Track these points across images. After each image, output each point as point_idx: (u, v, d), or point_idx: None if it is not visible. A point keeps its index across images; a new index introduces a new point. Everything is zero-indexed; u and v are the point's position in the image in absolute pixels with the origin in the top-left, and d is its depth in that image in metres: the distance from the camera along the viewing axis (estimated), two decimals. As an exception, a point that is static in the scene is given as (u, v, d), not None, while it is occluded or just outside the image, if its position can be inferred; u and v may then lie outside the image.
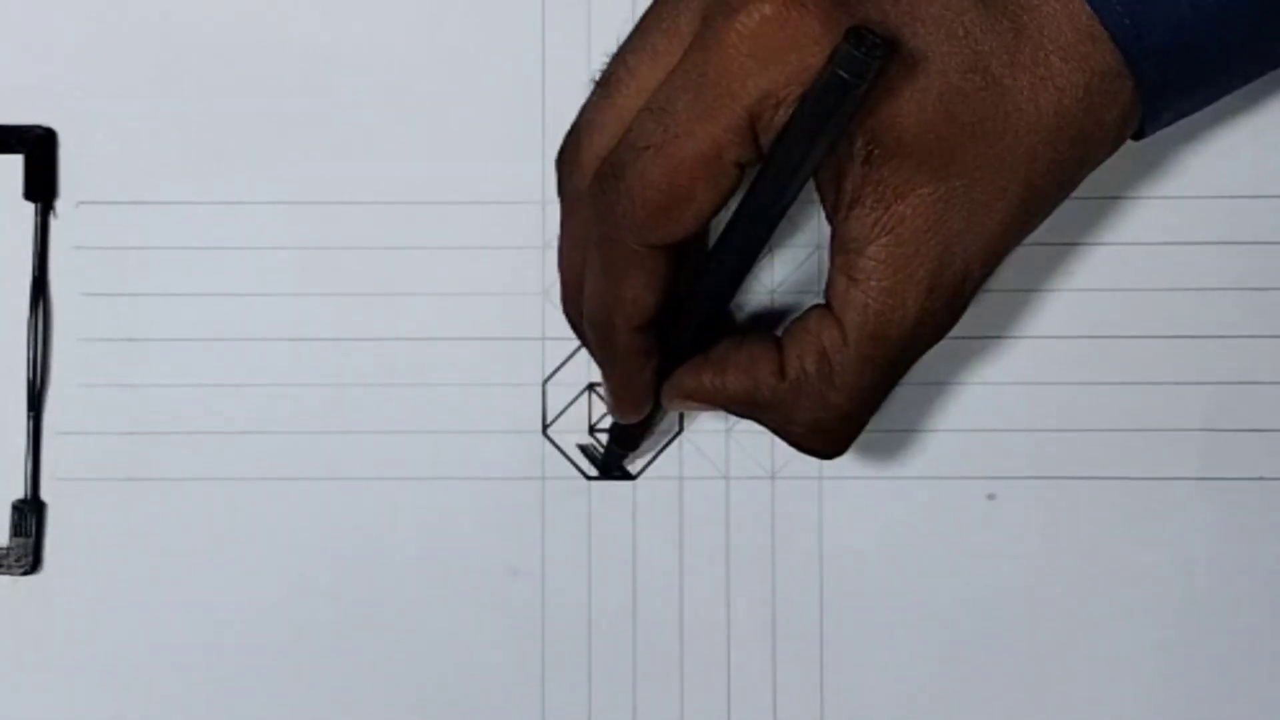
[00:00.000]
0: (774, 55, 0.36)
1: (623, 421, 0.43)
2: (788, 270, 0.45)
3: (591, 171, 0.39)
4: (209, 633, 0.45)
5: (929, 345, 0.40)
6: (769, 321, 0.45)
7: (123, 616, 0.45)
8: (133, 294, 0.46)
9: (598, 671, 0.45)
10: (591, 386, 0.46)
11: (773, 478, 0.45)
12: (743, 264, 0.39)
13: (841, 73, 0.34)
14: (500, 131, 0.46)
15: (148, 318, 0.46)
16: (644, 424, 0.44)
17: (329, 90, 0.46)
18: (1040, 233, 0.45)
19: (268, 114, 0.46)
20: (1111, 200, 0.45)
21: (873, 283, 0.38)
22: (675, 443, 0.46)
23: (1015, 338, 0.45)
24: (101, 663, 0.45)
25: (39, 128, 0.46)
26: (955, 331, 0.45)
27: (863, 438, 0.44)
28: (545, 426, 0.46)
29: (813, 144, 0.36)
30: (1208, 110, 0.45)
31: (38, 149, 0.46)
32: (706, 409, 0.43)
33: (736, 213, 0.38)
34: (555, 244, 0.44)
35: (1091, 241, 0.45)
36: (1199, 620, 0.45)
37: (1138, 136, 0.41)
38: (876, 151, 0.37)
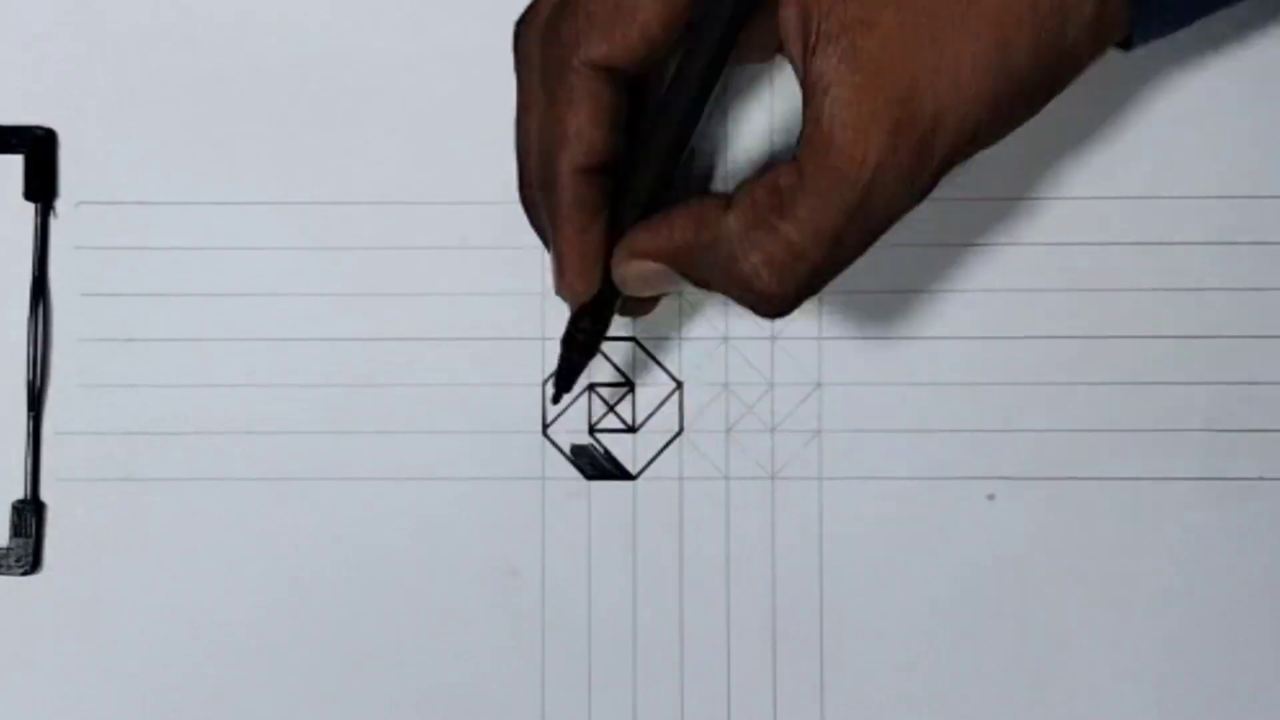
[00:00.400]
0: None
1: (568, 297, 0.41)
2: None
3: (542, 23, 0.39)
4: (209, 633, 0.45)
5: (897, 200, 0.38)
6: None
7: (123, 616, 0.45)
8: (133, 294, 0.46)
9: (598, 671, 0.45)
10: (592, 387, 0.46)
11: (773, 478, 0.45)
12: (691, 109, 0.39)
13: None
14: (500, 131, 0.46)
15: (148, 318, 0.46)
16: (598, 322, 0.42)
17: (329, 90, 0.46)
18: (1041, 233, 0.45)
19: (268, 114, 0.46)
20: (1112, 200, 0.45)
21: (836, 119, 0.36)
22: (675, 443, 0.46)
23: (1015, 338, 0.45)
24: (101, 663, 0.45)
25: (39, 128, 0.46)
26: (955, 332, 0.45)
27: (863, 438, 0.44)
28: (545, 426, 0.46)
29: None
30: (1208, 110, 0.45)
31: (38, 149, 0.46)
32: (657, 272, 0.40)
33: (684, 54, 0.39)
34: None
35: (1092, 241, 0.45)
36: (1199, 620, 0.45)
37: (1126, 46, 0.40)
38: None
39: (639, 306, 0.44)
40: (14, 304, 0.46)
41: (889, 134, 0.37)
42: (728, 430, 0.45)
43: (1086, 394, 0.45)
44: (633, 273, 0.40)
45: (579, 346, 0.42)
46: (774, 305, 0.39)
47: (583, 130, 0.39)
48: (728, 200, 0.38)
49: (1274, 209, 0.45)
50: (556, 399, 0.43)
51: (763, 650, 0.45)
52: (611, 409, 0.46)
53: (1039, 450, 0.45)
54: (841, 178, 0.37)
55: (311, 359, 0.46)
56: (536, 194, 0.41)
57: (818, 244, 0.37)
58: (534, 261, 0.46)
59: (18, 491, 0.45)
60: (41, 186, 0.46)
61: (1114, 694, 0.45)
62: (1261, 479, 0.45)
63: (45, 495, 0.45)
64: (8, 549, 0.45)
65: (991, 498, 0.45)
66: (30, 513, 0.45)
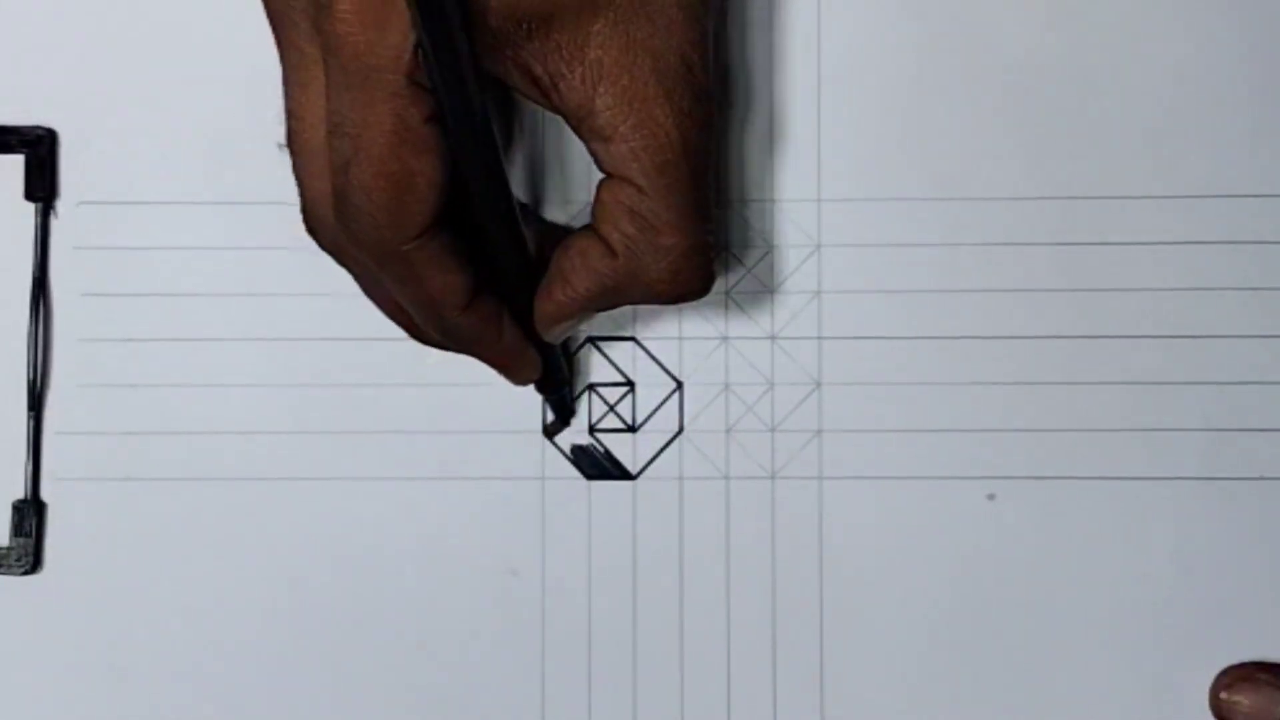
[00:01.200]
0: (381, 14, 0.36)
1: (527, 382, 0.44)
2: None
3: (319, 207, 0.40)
4: (209, 633, 0.45)
5: (708, 141, 0.40)
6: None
7: (123, 616, 0.45)
8: (133, 294, 0.46)
9: (598, 671, 0.45)
10: (592, 386, 0.46)
11: (773, 478, 0.45)
12: (501, 194, 0.39)
13: None
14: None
15: (148, 318, 0.46)
16: (552, 366, 0.44)
17: (329, 90, 0.46)
18: (1041, 233, 0.45)
19: (268, 114, 0.46)
20: (1112, 200, 0.45)
21: (620, 127, 0.38)
22: (675, 443, 0.46)
23: (1015, 338, 0.45)
24: (101, 663, 0.45)
25: (39, 128, 0.46)
26: (955, 332, 0.45)
27: (863, 437, 0.44)
28: (545, 427, 0.46)
29: (456, 56, 0.36)
30: (1207, 110, 0.45)
31: (38, 149, 0.46)
32: (578, 320, 0.42)
33: (458, 159, 0.38)
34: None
35: (1092, 241, 0.45)
36: (1199, 620, 0.45)
37: None
38: (531, 26, 0.37)
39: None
40: (14, 304, 0.46)
41: (666, 104, 0.38)
42: (728, 430, 0.45)
43: (1086, 394, 0.45)
44: (554, 333, 0.42)
45: (556, 390, 0.45)
46: (698, 294, 0.41)
47: (446, 283, 0.39)
48: (603, 241, 0.40)
49: (1274, 209, 0.45)
50: (558, 431, 0.45)
51: (763, 650, 0.45)
52: (612, 409, 0.46)
53: (1039, 450, 0.45)
54: (670, 168, 0.39)
55: (311, 359, 0.46)
56: (440, 338, 0.42)
57: (693, 230, 0.40)
58: (534, 261, 0.46)
59: (18, 491, 0.45)
60: (41, 186, 0.46)
61: (1113, 693, 0.45)
62: (1262, 479, 0.45)
63: (45, 495, 0.45)
64: (8, 549, 0.45)
65: (991, 498, 0.45)
66: (30, 513, 0.45)
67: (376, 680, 0.45)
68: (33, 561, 0.45)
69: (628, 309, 0.45)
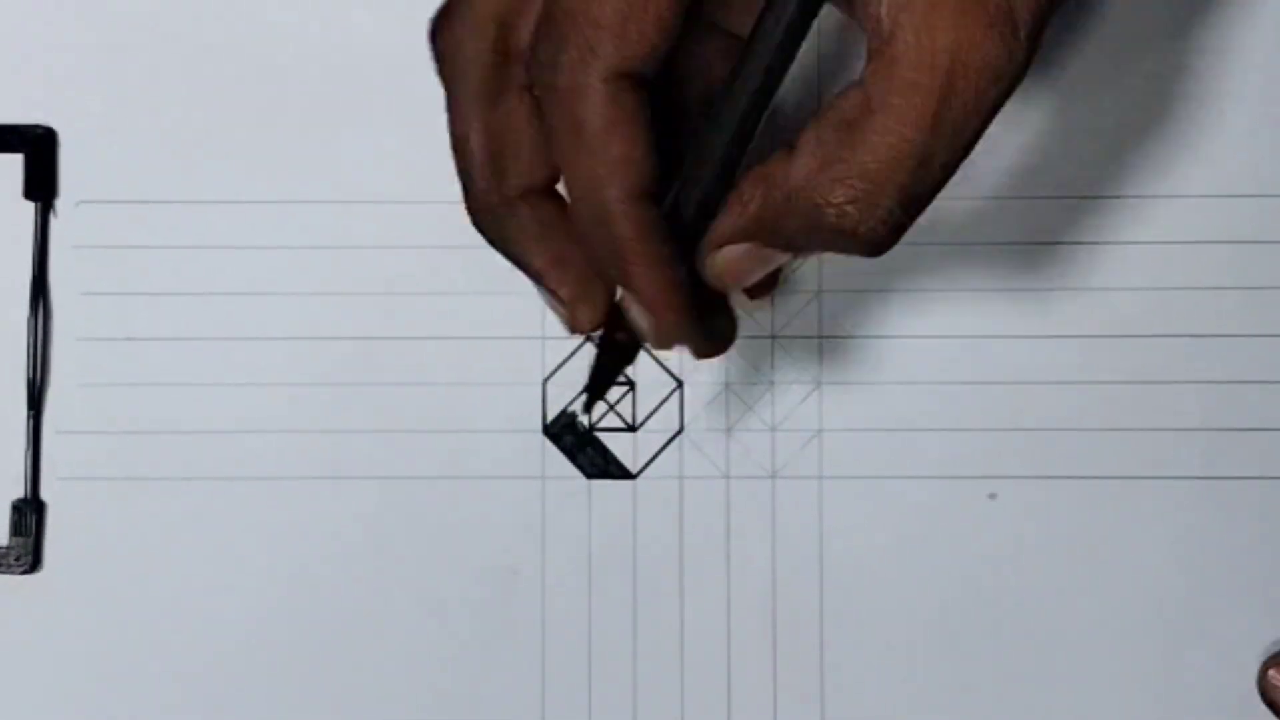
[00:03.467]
0: None
1: (668, 343, 0.37)
2: None
3: (482, 23, 0.35)
4: (209, 632, 0.45)
5: (986, 89, 0.33)
6: None
7: (123, 616, 0.45)
8: (133, 294, 0.46)
9: (598, 671, 0.45)
10: (592, 386, 0.46)
11: (773, 477, 0.45)
12: (757, 102, 0.34)
13: None
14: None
15: (148, 318, 0.46)
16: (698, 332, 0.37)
17: (329, 90, 0.46)
18: (1041, 233, 0.45)
19: (268, 114, 0.46)
20: (1112, 200, 0.45)
21: (893, 16, 0.32)
22: (675, 442, 0.46)
23: (1015, 337, 0.45)
24: (101, 663, 0.45)
25: (39, 128, 0.46)
26: (955, 331, 0.45)
27: (863, 437, 0.44)
28: (545, 426, 0.46)
29: None
30: (1208, 110, 0.45)
31: (38, 149, 0.46)
32: (744, 254, 0.35)
33: (749, 39, 0.34)
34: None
35: (1092, 241, 0.45)
36: (1199, 620, 0.45)
37: None
38: None
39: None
40: (14, 304, 0.46)
41: (958, 20, 0.32)
42: (728, 430, 0.45)
43: (1086, 394, 0.45)
44: (719, 265, 0.36)
45: (620, 350, 0.38)
46: (872, 244, 0.34)
47: (627, 153, 0.34)
48: (790, 150, 0.34)
49: (1274, 209, 0.45)
50: (589, 407, 0.42)
51: (763, 650, 0.45)
52: (612, 408, 0.46)
53: (1039, 450, 0.45)
54: (912, 84, 0.32)
55: (311, 359, 0.46)
56: (582, 226, 0.36)
57: (902, 164, 0.33)
58: (534, 261, 0.46)
59: (18, 491, 0.45)
60: (41, 186, 0.46)
61: (1114, 693, 0.45)
62: (1262, 478, 0.45)
63: (45, 495, 0.45)
64: (8, 548, 0.45)
65: (992, 497, 0.45)
66: (30, 512, 0.45)
67: (376, 680, 0.45)
68: (33, 561, 0.45)
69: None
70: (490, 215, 0.37)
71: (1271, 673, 0.44)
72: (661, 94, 0.35)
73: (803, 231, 0.34)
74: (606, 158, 0.34)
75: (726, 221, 0.35)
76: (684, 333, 0.36)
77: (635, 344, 0.38)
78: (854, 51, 0.37)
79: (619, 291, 0.36)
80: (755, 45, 0.34)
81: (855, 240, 0.34)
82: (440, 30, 0.37)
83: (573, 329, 0.37)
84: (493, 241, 0.37)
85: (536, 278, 0.37)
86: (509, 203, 0.36)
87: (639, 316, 0.36)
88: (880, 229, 0.34)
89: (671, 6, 0.33)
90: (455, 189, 0.46)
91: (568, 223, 0.36)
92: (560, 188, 0.37)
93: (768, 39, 0.33)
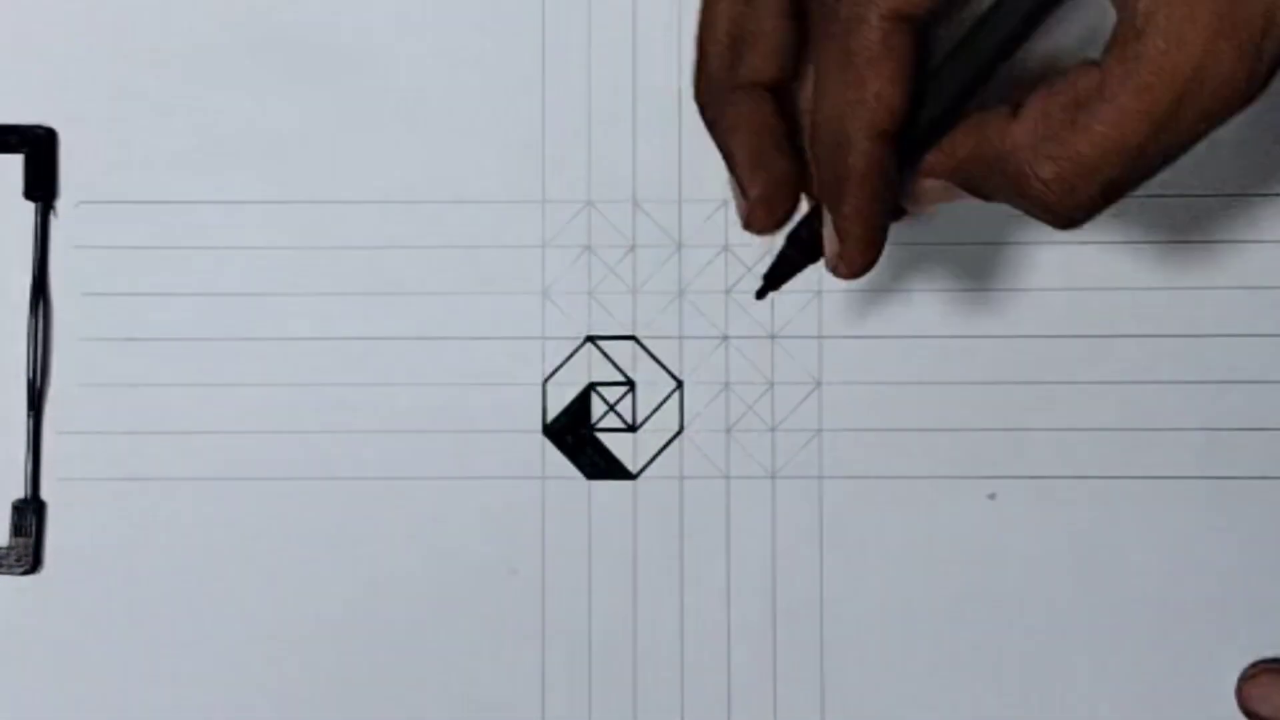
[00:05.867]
0: None
1: (848, 276, 0.38)
2: None
3: None
4: (208, 632, 0.45)
5: (1215, 110, 0.34)
6: None
7: (123, 616, 0.45)
8: (133, 294, 0.46)
9: (598, 671, 0.45)
10: (593, 386, 0.46)
11: (773, 477, 0.45)
12: (1012, 36, 0.35)
13: None
14: (500, 131, 0.46)
15: (148, 318, 0.46)
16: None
17: (329, 90, 0.46)
18: (1042, 233, 0.45)
19: (268, 114, 0.46)
20: (1111, 200, 0.45)
21: (1149, 12, 0.33)
22: (675, 442, 0.46)
23: (1015, 337, 0.45)
24: (101, 663, 0.45)
25: (39, 128, 0.46)
26: (955, 331, 0.45)
27: (863, 437, 0.44)
28: (545, 426, 0.46)
29: None
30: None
31: (38, 149, 0.46)
32: (938, 188, 0.37)
33: None
34: (556, 242, 0.44)
35: (1092, 241, 0.45)
36: (1198, 619, 0.45)
37: None
38: None
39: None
40: (14, 304, 0.46)
41: (1211, 37, 0.33)
42: (728, 430, 0.45)
43: (1086, 394, 0.45)
44: (918, 192, 0.37)
45: (804, 245, 0.39)
46: (1064, 220, 0.36)
47: (884, 92, 0.35)
48: (1014, 110, 0.35)
49: (1274, 209, 0.45)
50: (762, 295, 0.41)
51: (763, 650, 0.45)
52: (612, 408, 0.46)
53: (1039, 450, 0.45)
54: (1149, 87, 0.33)
55: (311, 359, 0.46)
56: (816, 149, 0.37)
57: (1116, 159, 0.34)
58: (534, 261, 0.46)
59: (18, 491, 0.45)
60: (41, 186, 0.46)
61: (1113, 693, 0.45)
62: (1262, 478, 0.45)
63: (45, 495, 0.45)
64: (8, 549, 0.45)
65: (992, 497, 0.45)
66: (30, 512, 0.45)
67: (377, 680, 0.45)
68: (33, 561, 0.45)
69: (629, 306, 0.45)
70: (714, 97, 0.38)
71: (1246, 687, 0.44)
72: (927, 30, 0.36)
73: (1001, 189, 0.36)
74: (863, 92, 0.35)
75: (937, 158, 0.36)
76: (862, 268, 0.37)
77: (818, 247, 0.39)
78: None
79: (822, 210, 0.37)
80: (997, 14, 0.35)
81: (1049, 214, 0.35)
82: None
83: (745, 225, 0.38)
84: (708, 122, 0.38)
85: (734, 168, 0.38)
86: (735, 89, 0.37)
87: (829, 238, 0.37)
88: (1077, 212, 0.35)
89: None
90: (456, 190, 0.46)
91: (780, 125, 0.37)
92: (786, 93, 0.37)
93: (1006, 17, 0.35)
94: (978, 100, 0.37)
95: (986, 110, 0.36)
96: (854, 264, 0.37)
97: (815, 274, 0.45)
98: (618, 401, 0.46)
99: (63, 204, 0.46)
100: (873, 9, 0.34)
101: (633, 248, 0.46)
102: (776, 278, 0.40)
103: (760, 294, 0.41)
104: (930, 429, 0.45)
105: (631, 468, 0.45)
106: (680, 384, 0.46)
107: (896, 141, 0.36)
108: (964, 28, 0.36)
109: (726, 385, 0.46)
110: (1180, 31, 0.33)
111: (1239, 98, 0.33)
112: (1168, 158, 0.34)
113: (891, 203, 0.37)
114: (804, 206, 0.39)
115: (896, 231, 0.38)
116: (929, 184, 0.37)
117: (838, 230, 0.37)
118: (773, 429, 0.45)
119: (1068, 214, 0.35)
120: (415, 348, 0.46)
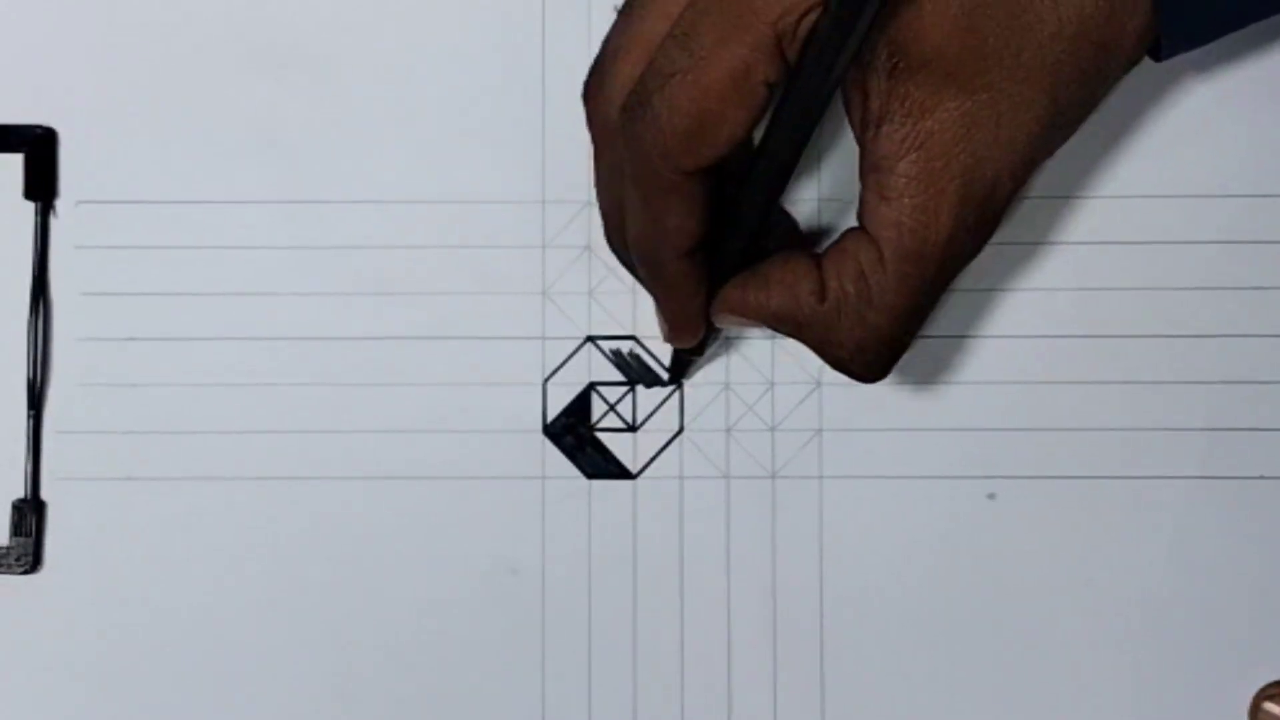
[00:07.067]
0: None
1: (679, 346, 0.44)
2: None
3: (619, 101, 0.39)
4: (209, 632, 0.45)
5: (965, 261, 0.40)
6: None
7: (123, 616, 0.45)
8: (133, 294, 0.46)
9: (598, 671, 0.45)
10: (593, 386, 0.46)
11: (773, 477, 0.45)
12: (778, 181, 0.40)
13: None
14: (500, 131, 0.46)
15: (148, 318, 0.46)
16: (702, 341, 0.44)
17: (329, 90, 0.46)
18: (1040, 233, 0.45)
19: (267, 114, 0.46)
20: (1111, 200, 0.45)
21: (905, 200, 0.38)
22: (675, 442, 0.46)
23: (1016, 337, 0.45)
24: (101, 663, 0.45)
25: (39, 128, 0.46)
26: (954, 331, 0.45)
27: (863, 437, 0.44)
28: (545, 426, 0.46)
29: (838, 55, 0.36)
30: (1208, 110, 0.45)
31: (38, 149, 0.46)
32: (751, 325, 0.42)
33: (768, 131, 0.39)
34: (556, 242, 0.44)
35: (1092, 241, 0.45)
36: (1198, 619, 0.45)
37: (1156, 57, 0.41)
38: (901, 65, 0.37)
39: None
40: (14, 304, 0.46)
41: (957, 210, 0.38)
42: (728, 430, 0.46)
43: (1087, 394, 0.45)
44: (723, 321, 0.42)
45: (693, 353, 0.45)
46: (864, 380, 0.41)
47: (682, 225, 0.39)
48: (820, 279, 0.40)
49: (1274, 209, 0.45)
50: (672, 381, 0.45)
51: (763, 650, 0.45)
52: (612, 408, 0.46)
53: (1039, 450, 0.45)
54: (918, 261, 0.38)
55: (311, 359, 0.46)
56: (634, 260, 0.42)
57: (903, 326, 0.40)
58: (534, 261, 0.46)
59: (18, 491, 0.45)
60: (41, 186, 0.46)
61: (1113, 693, 0.45)
62: (1262, 478, 0.45)
63: (45, 495, 0.45)
64: (8, 548, 0.45)
65: (992, 497, 0.45)
66: (30, 512, 0.45)
67: (376, 680, 0.45)
68: (33, 561, 0.45)
69: (629, 306, 0.45)
70: (614, 253, 0.43)
71: (1266, 705, 0.44)
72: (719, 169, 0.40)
73: (809, 341, 0.41)
74: (664, 224, 0.39)
75: (747, 299, 0.41)
76: (691, 342, 0.43)
77: (703, 345, 0.44)
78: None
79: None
80: (775, 127, 0.38)
81: (850, 374, 0.41)
82: (587, 93, 0.40)
83: (668, 340, 0.44)
84: (619, 257, 0.43)
85: (660, 309, 0.43)
86: (658, 268, 0.41)
87: (661, 325, 0.43)
88: (874, 373, 0.41)
89: (745, 126, 0.38)
90: (456, 190, 0.46)
91: (701, 277, 0.41)
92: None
93: (783, 125, 0.38)
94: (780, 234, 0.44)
95: (796, 266, 0.40)
96: (682, 341, 0.43)
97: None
98: (618, 401, 0.46)
99: (63, 204, 0.46)
100: (659, 167, 0.38)
101: (633, 248, 0.46)
102: (677, 372, 0.45)
103: (671, 380, 0.45)
104: (930, 429, 0.45)
105: (631, 468, 0.45)
106: (680, 384, 0.46)
107: (702, 251, 0.40)
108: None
109: (726, 385, 0.46)
110: (934, 209, 0.38)
111: (978, 249, 0.40)
112: (932, 308, 0.40)
113: (705, 296, 0.42)
114: None
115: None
116: (741, 320, 0.42)
117: (665, 320, 0.43)
118: (773, 429, 0.45)
119: (867, 375, 0.41)
120: (415, 348, 0.46)
